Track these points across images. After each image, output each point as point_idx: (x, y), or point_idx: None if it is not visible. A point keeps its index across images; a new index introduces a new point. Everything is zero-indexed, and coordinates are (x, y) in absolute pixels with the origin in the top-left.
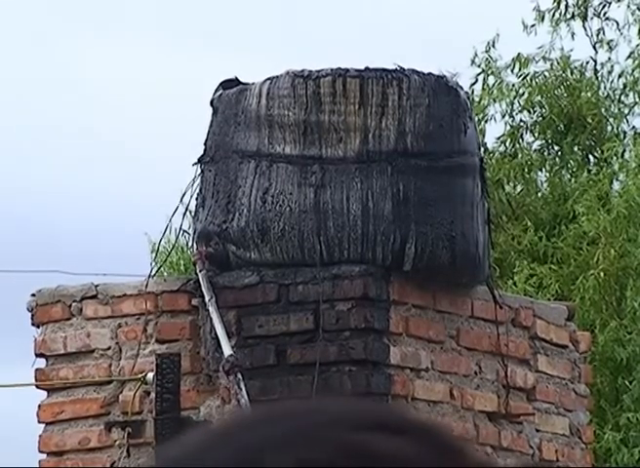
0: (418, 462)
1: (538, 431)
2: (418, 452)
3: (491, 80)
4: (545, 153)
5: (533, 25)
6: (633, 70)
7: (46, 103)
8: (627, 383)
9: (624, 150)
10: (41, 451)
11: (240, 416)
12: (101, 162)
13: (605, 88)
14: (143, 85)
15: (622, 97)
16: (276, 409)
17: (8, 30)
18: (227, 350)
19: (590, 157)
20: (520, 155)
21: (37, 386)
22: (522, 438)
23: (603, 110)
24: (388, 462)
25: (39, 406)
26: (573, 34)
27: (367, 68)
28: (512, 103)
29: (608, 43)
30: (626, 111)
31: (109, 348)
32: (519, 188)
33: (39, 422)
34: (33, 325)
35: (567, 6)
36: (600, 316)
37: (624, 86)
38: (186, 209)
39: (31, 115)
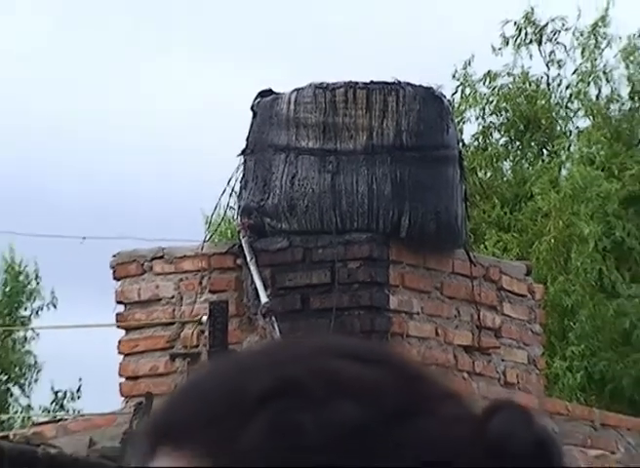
0: (378, 385)
1: (503, 360)
2: (381, 378)
3: (467, 90)
4: (509, 147)
5: (500, 48)
6: (577, 83)
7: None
8: (572, 324)
9: (570, 145)
10: (120, 376)
11: (257, 347)
12: (170, 155)
13: (555, 97)
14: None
15: (569, 104)
16: (283, 342)
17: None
18: (264, 298)
19: (544, 150)
20: (489, 148)
21: (118, 326)
22: (491, 366)
23: (554, 114)
24: (352, 384)
25: (119, 341)
26: (530, 55)
27: (372, 81)
28: (484, 109)
29: (558, 62)
30: (572, 115)
31: (173, 297)
32: (489, 174)
33: (119, 354)
34: (114, 279)
35: (526, 33)
36: (551, 272)
37: (570, 95)
38: (232, 190)
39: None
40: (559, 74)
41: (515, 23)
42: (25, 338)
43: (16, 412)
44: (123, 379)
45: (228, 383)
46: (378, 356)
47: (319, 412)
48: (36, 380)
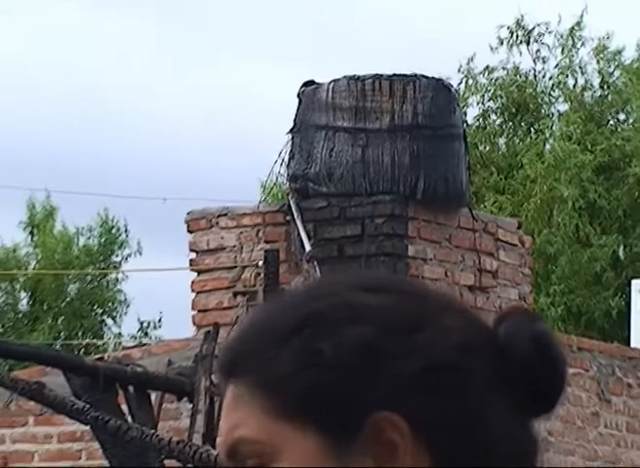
0: (385, 309)
1: (499, 297)
2: (388, 302)
3: (470, 81)
4: (503, 126)
5: (496, 48)
6: (558, 75)
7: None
8: (554, 268)
9: (552, 124)
10: (193, 309)
11: (298, 288)
12: (234, 134)
13: (540, 86)
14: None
15: (551, 92)
16: (314, 283)
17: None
18: (307, 247)
19: (531, 129)
20: (488, 128)
21: (191, 270)
22: (489, 302)
23: (539, 100)
24: (363, 311)
25: (192, 282)
26: (520, 53)
27: (394, 74)
28: (483, 96)
29: (542, 58)
30: (553, 101)
31: (235, 246)
32: (487, 148)
33: (192, 292)
34: (188, 232)
35: (517, 36)
36: (537, 226)
37: (552, 85)
38: (282, 161)
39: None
40: (543, 68)
41: (508, 28)
42: (117, 280)
43: (109, 339)
44: (195, 312)
45: (270, 321)
46: (386, 285)
47: (335, 337)
48: (125, 313)
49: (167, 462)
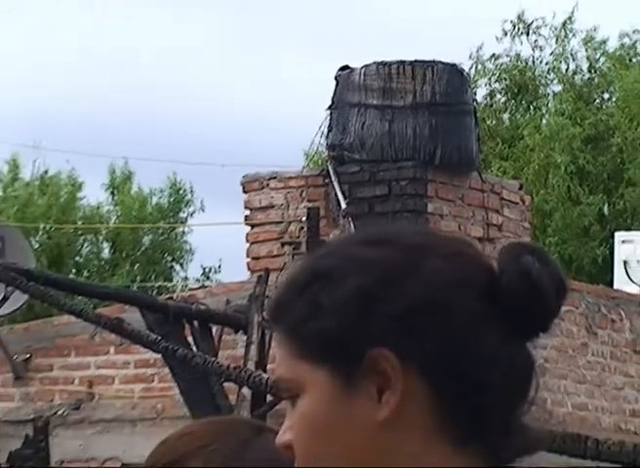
0: (383, 259)
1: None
2: (386, 254)
3: (479, 66)
4: (507, 104)
5: (501, 38)
6: (553, 61)
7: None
8: (549, 222)
9: (548, 103)
10: (247, 257)
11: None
12: (284, 112)
13: (538, 70)
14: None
15: (547, 75)
16: (330, 242)
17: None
18: (343, 205)
19: (530, 106)
20: (494, 105)
21: (245, 224)
22: (495, 251)
23: (537, 82)
24: (362, 263)
25: (247, 234)
26: (521, 43)
27: (415, 60)
28: (490, 79)
29: (540, 47)
30: (549, 83)
31: (282, 204)
32: (494, 122)
33: (246, 242)
34: (243, 192)
35: (518, 28)
36: (535, 188)
37: (548, 70)
38: (322, 133)
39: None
40: (540, 55)
41: (511, 21)
42: (183, 232)
43: (177, 282)
44: (249, 259)
45: (294, 278)
46: (386, 238)
47: (334, 289)
48: (191, 260)
49: (225, 385)
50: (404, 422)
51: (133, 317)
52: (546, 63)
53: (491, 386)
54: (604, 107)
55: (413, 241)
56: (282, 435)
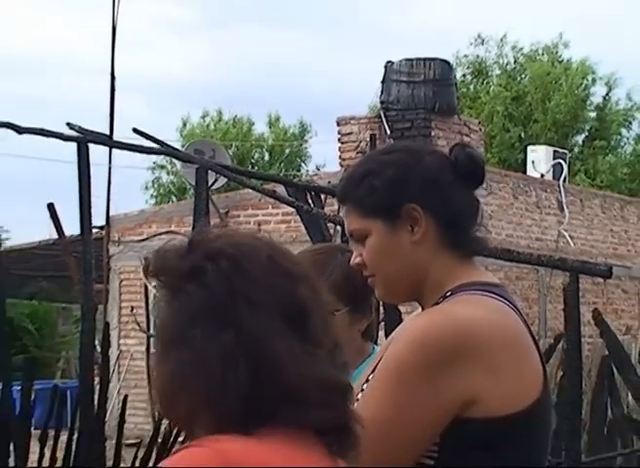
0: (401, 160)
1: None
2: (399, 157)
3: (457, 60)
4: (472, 81)
5: (469, 45)
6: (496, 57)
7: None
8: (492, 141)
9: (493, 79)
10: (340, 159)
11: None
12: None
13: (489, 61)
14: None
15: (493, 65)
16: (373, 152)
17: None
18: (388, 133)
19: (484, 82)
20: (466, 83)
21: (339, 141)
22: None
23: (488, 69)
24: (393, 162)
25: (339, 147)
26: (482, 48)
27: (426, 58)
28: (465, 68)
29: (488, 50)
30: (494, 69)
31: (357, 132)
32: (465, 90)
33: (339, 152)
34: (337, 125)
35: (482, 40)
36: (486, 124)
37: (494, 62)
38: (377, 95)
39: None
40: (486, 55)
41: (476, 36)
42: (305, 148)
43: (303, 173)
44: (341, 160)
45: (354, 171)
46: (397, 148)
47: (380, 177)
48: (310, 162)
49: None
50: (424, 243)
51: (281, 189)
52: (492, 59)
53: (464, 215)
54: (521, 83)
55: (414, 148)
56: (353, 259)
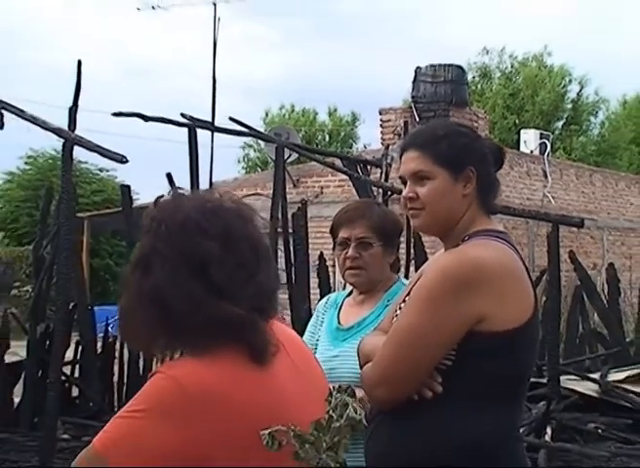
0: (469, 134)
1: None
2: (470, 133)
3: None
4: (480, 80)
5: (477, 54)
6: (498, 64)
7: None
8: (494, 126)
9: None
10: (382, 140)
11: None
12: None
13: (492, 65)
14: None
15: (495, 68)
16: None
17: None
18: (417, 120)
19: (485, 80)
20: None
21: (380, 126)
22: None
23: (491, 72)
24: (459, 132)
25: (380, 131)
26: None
27: (445, 64)
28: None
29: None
30: (494, 72)
31: (395, 119)
32: (474, 88)
33: (381, 134)
34: (379, 114)
35: (486, 52)
36: (490, 114)
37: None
38: (410, 91)
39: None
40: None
41: (482, 49)
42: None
43: (354, 149)
44: (383, 141)
45: (426, 129)
46: (442, 125)
47: (453, 142)
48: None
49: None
50: (467, 197)
51: (338, 162)
52: (494, 65)
53: (493, 186)
54: (516, 83)
55: (475, 131)
56: (407, 192)
